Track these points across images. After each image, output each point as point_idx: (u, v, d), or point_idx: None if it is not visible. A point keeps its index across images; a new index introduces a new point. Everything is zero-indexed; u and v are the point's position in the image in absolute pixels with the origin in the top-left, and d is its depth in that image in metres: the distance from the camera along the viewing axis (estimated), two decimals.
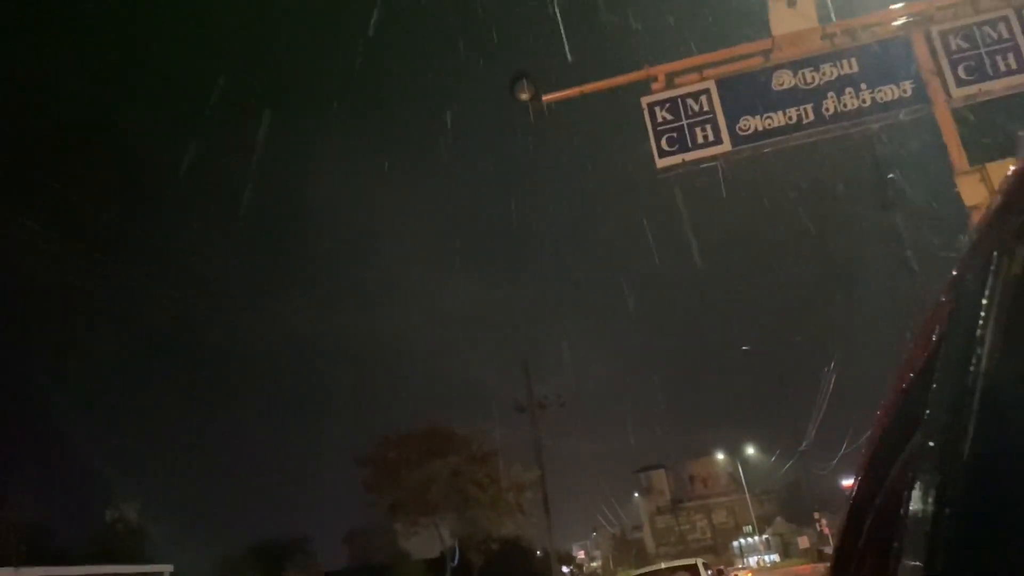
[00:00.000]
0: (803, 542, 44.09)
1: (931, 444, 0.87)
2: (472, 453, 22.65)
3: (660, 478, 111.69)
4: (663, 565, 19.79)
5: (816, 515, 38.15)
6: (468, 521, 23.30)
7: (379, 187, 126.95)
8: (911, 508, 0.90)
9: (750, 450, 65.59)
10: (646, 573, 19.17)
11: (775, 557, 75.69)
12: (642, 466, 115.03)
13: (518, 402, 31.86)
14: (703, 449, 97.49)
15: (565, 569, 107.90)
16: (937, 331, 0.96)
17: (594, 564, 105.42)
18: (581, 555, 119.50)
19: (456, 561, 23.67)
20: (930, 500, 0.84)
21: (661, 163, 9.12)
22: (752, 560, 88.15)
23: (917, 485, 0.89)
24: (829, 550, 42.74)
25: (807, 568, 44.51)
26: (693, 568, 18.07)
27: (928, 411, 0.91)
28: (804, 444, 36.81)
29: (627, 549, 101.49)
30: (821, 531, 46.63)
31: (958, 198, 8.44)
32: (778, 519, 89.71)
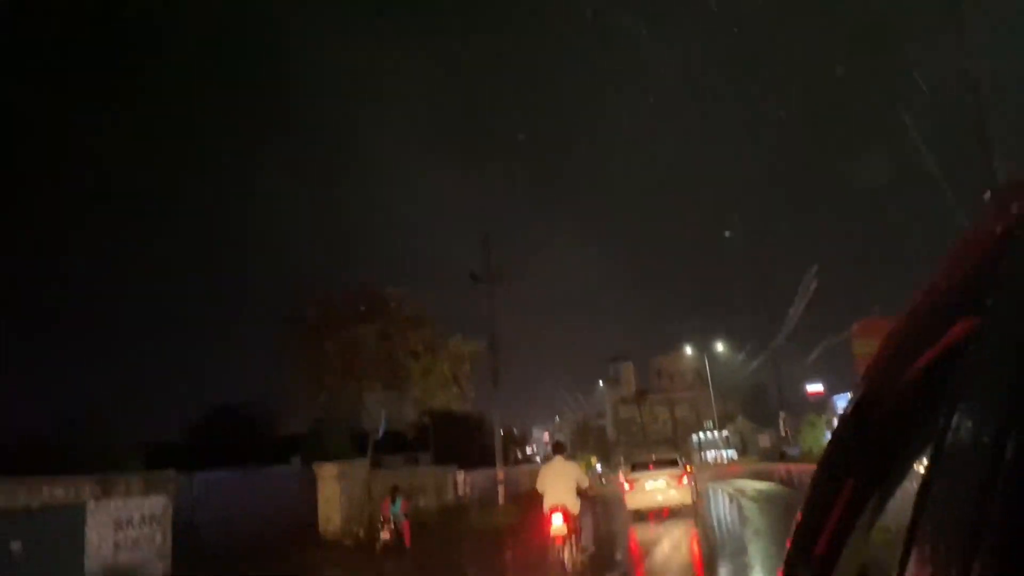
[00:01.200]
0: (763, 440, 42.74)
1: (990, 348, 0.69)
2: (405, 316, 19.63)
3: (627, 370, 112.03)
4: (654, 457, 23.49)
5: (782, 415, 36.21)
6: (399, 392, 20.52)
7: (357, 45, 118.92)
8: (949, 441, 0.72)
9: (719, 347, 63.78)
10: (640, 463, 22.29)
11: (732, 453, 75.68)
12: (610, 356, 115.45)
13: (473, 272, 28.79)
14: (672, 344, 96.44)
15: (530, 450, 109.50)
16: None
17: None
18: (545, 437, 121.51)
19: (382, 434, 21.01)
20: (985, 433, 0.66)
21: None
22: (709, 455, 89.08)
23: (962, 410, 0.71)
24: (792, 451, 41.57)
25: (738, 468, 43.03)
26: (675, 461, 21.76)
27: (990, 321, 0.71)
28: (779, 339, 34.30)
29: (586, 435, 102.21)
30: (784, 432, 45.55)
31: None
32: (739, 417, 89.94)
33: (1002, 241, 0.72)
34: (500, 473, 27.60)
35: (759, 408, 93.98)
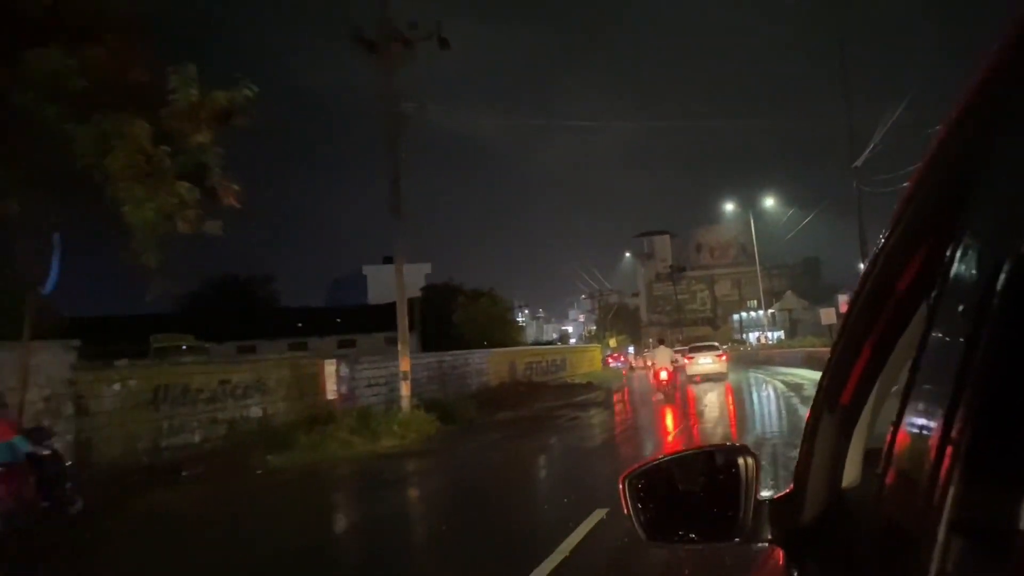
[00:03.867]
0: (827, 316, 31.36)
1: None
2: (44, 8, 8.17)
3: (663, 244, 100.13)
4: (702, 345, 31.88)
5: (863, 270, 24.20)
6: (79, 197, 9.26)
7: None
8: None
9: (768, 202, 51.11)
10: (696, 347, 30.90)
11: (780, 334, 64.35)
12: (645, 230, 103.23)
13: (361, 31, 16.96)
14: (714, 216, 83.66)
15: (559, 332, 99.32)
16: None
17: (593, 328, 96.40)
18: (581, 318, 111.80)
19: (51, 286, 9.91)
20: (979, 271, 0.64)
21: None
22: (752, 336, 78.55)
23: (963, 249, 0.69)
24: None
25: (788, 351, 38.46)
26: (716, 346, 30.92)
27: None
28: (866, 153, 22.08)
29: (605, 315, 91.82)
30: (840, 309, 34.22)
31: None
32: (788, 293, 78.02)
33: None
34: (404, 362, 16.70)
35: (811, 283, 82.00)
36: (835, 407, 1.19)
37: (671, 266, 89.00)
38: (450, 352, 25.55)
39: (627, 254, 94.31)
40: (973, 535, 0.58)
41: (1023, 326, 0.55)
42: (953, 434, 0.60)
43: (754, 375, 31.94)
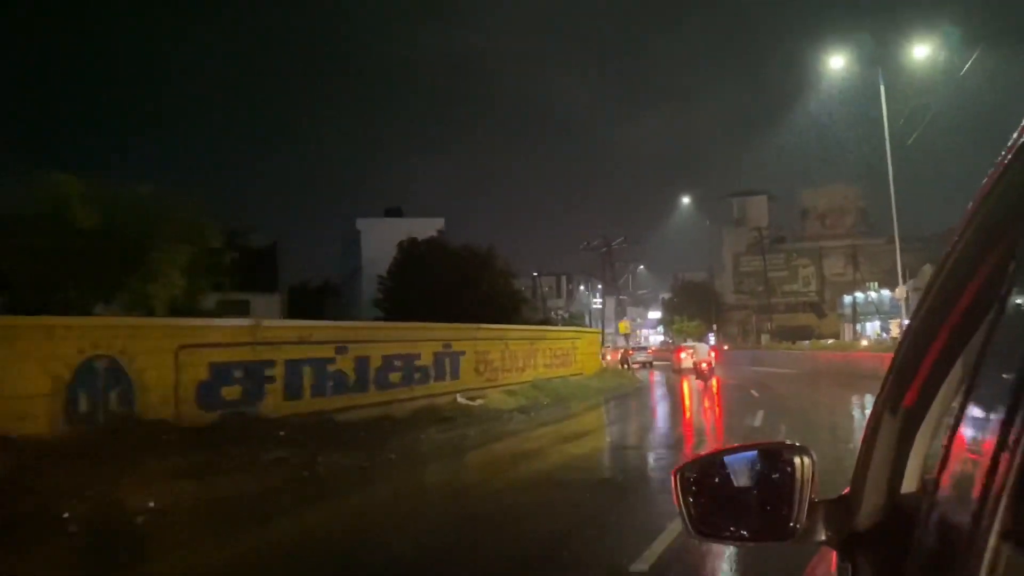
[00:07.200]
0: None
1: None
2: None
3: (759, 207, 77.29)
4: (699, 345, 39.30)
5: None
6: None
7: None
8: None
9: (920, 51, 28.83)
10: (713, 347, 40.56)
11: None
12: (736, 190, 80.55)
13: None
14: (826, 172, 60.85)
15: (565, 311, 76.50)
16: None
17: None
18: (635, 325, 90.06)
19: None
20: None
21: None
22: (870, 326, 55.99)
23: None
24: None
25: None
26: (706, 347, 37.83)
27: None
28: None
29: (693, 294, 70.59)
30: None
31: None
32: (926, 267, 54.40)
33: None
34: None
35: None
36: (897, 409, 1.15)
37: (758, 230, 66.25)
38: None
39: (684, 199, 71.28)
40: (1023, 546, 0.56)
41: None
42: (1009, 441, 0.58)
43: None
